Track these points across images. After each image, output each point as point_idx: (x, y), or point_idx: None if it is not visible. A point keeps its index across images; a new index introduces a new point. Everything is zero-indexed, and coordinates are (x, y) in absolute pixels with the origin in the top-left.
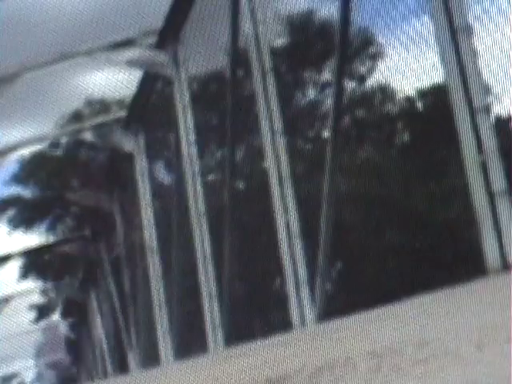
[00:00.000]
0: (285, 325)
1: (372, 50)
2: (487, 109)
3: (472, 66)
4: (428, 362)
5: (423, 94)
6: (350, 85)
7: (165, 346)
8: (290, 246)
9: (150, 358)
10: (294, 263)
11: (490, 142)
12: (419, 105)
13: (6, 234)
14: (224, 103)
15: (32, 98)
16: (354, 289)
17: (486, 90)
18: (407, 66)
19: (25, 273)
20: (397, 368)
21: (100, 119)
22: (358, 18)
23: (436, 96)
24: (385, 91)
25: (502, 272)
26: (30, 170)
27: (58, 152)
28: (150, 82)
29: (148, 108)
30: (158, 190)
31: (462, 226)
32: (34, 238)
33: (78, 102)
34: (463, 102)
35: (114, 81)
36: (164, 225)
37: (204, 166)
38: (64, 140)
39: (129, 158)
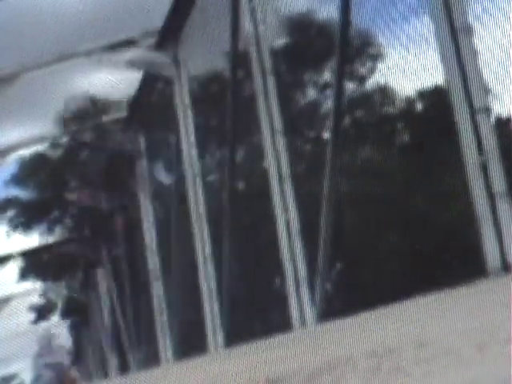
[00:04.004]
0: (285, 325)
1: (372, 50)
2: (487, 109)
3: (472, 65)
4: (428, 363)
5: (423, 93)
6: (350, 85)
7: (165, 345)
8: (290, 245)
9: (150, 358)
10: (294, 263)
11: (490, 142)
12: (419, 105)
13: (6, 234)
14: (224, 103)
15: (32, 98)
16: (354, 289)
17: (487, 89)
18: (407, 66)
19: (24, 273)
20: (397, 368)
21: (100, 120)
22: (358, 18)
23: (436, 96)
24: (385, 91)
25: (502, 272)
26: (29, 171)
27: (58, 152)
28: (150, 82)
29: (148, 108)
30: (158, 190)
31: (461, 226)
32: (33, 239)
33: (77, 102)
34: (463, 102)
35: (114, 81)
36: (164, 225)
37: (204, 166)
38: (64, 140)
39: (129, 159)
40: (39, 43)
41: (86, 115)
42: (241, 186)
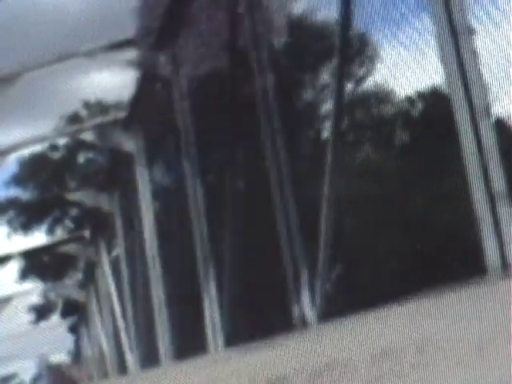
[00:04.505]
0: (285, 325)
1: (372, 50)
2: (487, 109)
3: (473, 66)
4: (428, 363)
5: (423, 94)
6: (350, 85)
7: (164, 346)
8: (290, 246)
9: (150, 359)
10: (294, 263)
11: (490, 142)
12: (419, 105)
13: (6, 234)
14: (223, 103)
15: (31, 98)
16: (354, 289)
17: (487, 90)
18: (407, 67)
19: (24, 273)
20: (397, 369)
21: (99, 120)
22: (358, 18)
23: (436, 96)
24: (385, 92)
25: (502, 272)
26: (29, 171)
27: (58, 153)
28: (149, 82)
29: (147, 108)
30: (157, 191)
31: (461, 226)
32: (33, 239)
33: (77, 102)
34: (463, 103)
35: (112, 81)
36: (164, 225)
37: (204, 167)
38: (63, 141)
39: (128, 159)
40: (39, 43)
41: (86, 115)
42: (240, 186)
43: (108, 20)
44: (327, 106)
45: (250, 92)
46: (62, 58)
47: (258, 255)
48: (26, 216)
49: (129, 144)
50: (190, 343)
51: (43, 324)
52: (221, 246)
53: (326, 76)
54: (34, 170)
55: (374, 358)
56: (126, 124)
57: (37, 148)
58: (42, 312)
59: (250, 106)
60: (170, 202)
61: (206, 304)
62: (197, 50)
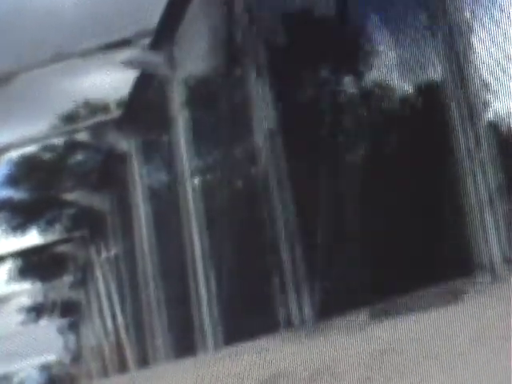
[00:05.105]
0: (284, 324)
1: (369, 48)
2: (486, 107)
3: (470, 63)
4: (428, 360)
5: (421, 92)
6: (347, 83)
7: (164, 345)
8: (290, 245)
9: (149, 358)
10: (294, 263)
11: (489, 140)
12: (417, 103)
13: (2, 234)
14: (220, 103)
15: (26, 98)
16: (352, 289)
17: (485, 87)
18: (405, 64)
19: (21, 273)
20: (396, 367)
21: (95, 120)
22: (356, 16)
23: (434, 94)
24: (383, 89)
25: (502, 271)
26: (24, 171)
27: (53, 153)
28: (146, 82)
29: (143, 109)
30: (153, 191)
31: (461, 225)
32: (30, 239)
33: (72, 102)
34: (462, 101)
35: (109, 81)
36: (160, 225)
37: (200, 167)
38: (58, 141)
39: (124, 159)
40: (33, 43)
41: (81, 115)
42: (238, 185)
43: (103, 20)
44: (324, 105)
45: (246, 92)
46: (58, 58)
47: (256, 255)
48: (21, 216)
49: (124, 144)
50: (188, 342)
51: (40, 323)
52: (219, 246)
53: (322, 73)
54: (29, 170)
55: (373, 356)
56: (122, 124)
57: (31, 148)
58: (39, 311)
59: (247, 106)
60: (165, 201)
61: (205, 303)
62: (194, 49)
